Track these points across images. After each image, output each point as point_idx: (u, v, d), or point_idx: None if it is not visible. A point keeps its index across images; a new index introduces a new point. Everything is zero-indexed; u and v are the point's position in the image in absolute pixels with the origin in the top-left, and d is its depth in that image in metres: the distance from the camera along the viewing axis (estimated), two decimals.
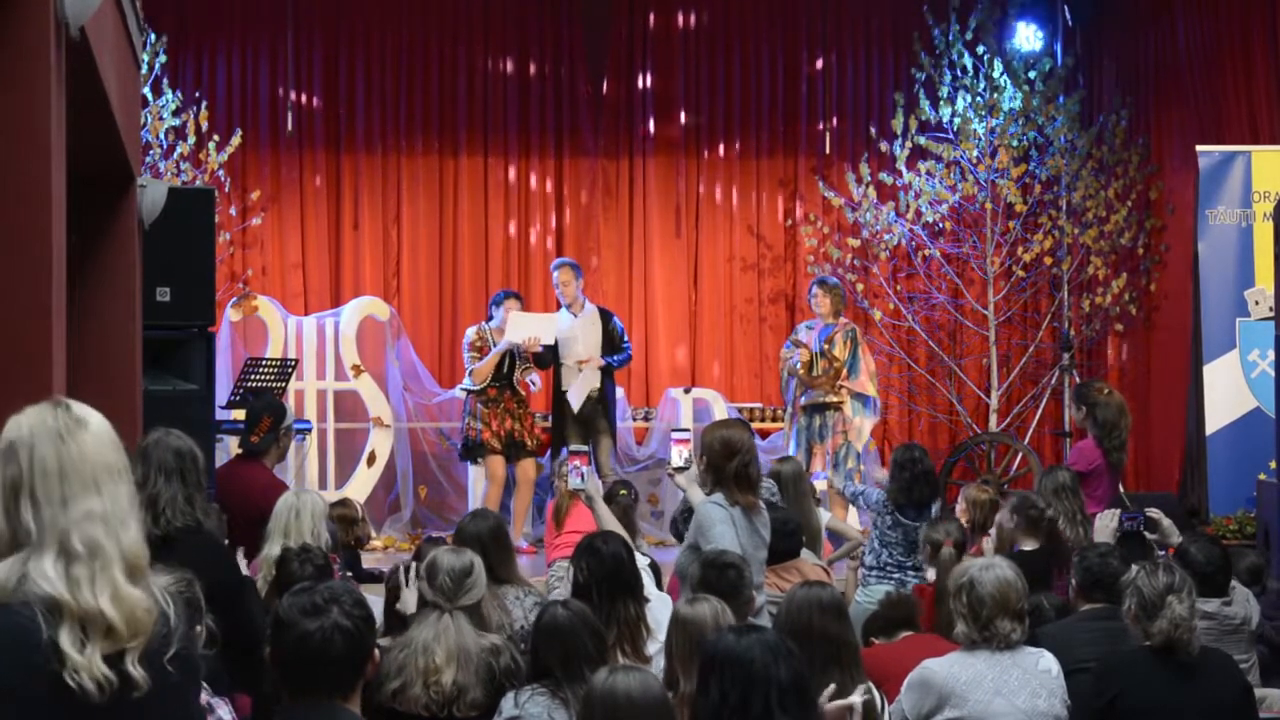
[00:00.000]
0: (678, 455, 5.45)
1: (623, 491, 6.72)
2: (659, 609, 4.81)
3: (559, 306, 9.63)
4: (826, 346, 9.24)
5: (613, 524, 5.36)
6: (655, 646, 4.50)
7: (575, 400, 9.24)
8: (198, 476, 4.51)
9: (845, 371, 9.27)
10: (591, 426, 9.28)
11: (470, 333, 9.55)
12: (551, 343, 9.26)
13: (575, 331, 9.37)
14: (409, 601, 4.51)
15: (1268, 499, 8.04)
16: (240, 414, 7.63)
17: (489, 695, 4.04)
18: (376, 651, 2.88)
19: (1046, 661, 4.18)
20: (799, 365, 9.33)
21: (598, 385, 9.31)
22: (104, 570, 2.19)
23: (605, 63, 11.55)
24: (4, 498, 2.21)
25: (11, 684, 2.14)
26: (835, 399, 9.28)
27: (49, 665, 2.14)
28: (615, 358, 9.42)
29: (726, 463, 5.01)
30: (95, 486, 2.23)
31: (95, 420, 2.29)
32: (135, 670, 2.18)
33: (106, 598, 2.18)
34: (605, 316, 9.53)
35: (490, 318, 9.51)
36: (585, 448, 5.89)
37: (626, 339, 9.67)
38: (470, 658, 4.06)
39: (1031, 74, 11.10)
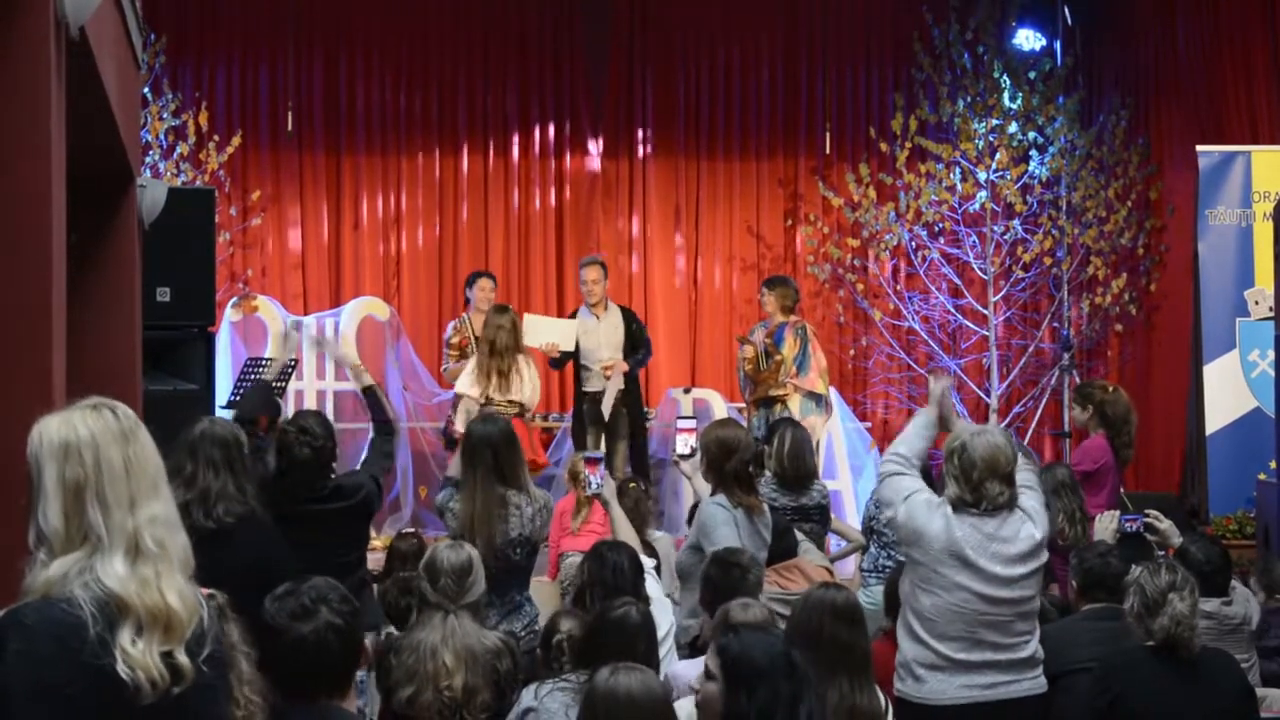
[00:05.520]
0: (682, 443, 5.51)
1: (632, 484, 6.79)
2: (658, 612, 4.83)
3: (560, 308, 9.54)
4: (768, 342, 9.19)
5: (625, 527, 5.51)
6: (659, 654, 4.54)
7: (608, 407, 9.14)
8: (244, 464, 4.55)
9: (794, 369, 9.17)
10: (613, 429, 9.20)
11: (449, 329, 9.45)
12: (571, 349, 9.17)
13: (600, 336, 9.22)
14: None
15: (1268, 499, 8.04)
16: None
17: (496, 697, 4.06)
18: (366, 643, 2.87)
19: (1029, 529, 4.32)
20: (745, 362, 9.30)
21: (622, 386, 9.23)
22: (168, 570, 2.27)
23: (605, 62, 11.54)
24: (64, 498, 2.25)
25: (57, 679, 2.18)
26: (780, 392, 9.19)
27: (96, 660, 2.18)
28: (639, 356, 9.32)
29: (726, 462, 5.03)
30: (156, 489, 2.31)
31: (139, 421, 2.33)
32: (183, 659, 2.24)
33: (174, 595, 2.26)
34: (628, 317, 9.42)
35: (467, 302, 9.43)
36: (599, 454, 6.01)
37: (647, 336, 9.61)
38: (477, 659, 4.08)
39: (1031, 74, 11.10)
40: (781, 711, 2.98)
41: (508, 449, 5.17)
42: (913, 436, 4.58)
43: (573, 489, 7.44)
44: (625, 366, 9.19)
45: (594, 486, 5.54)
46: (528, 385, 8.39)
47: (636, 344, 9.35)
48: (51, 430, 2.28)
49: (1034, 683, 4.37)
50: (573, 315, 9.52)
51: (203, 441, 4.52)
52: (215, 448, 4.51)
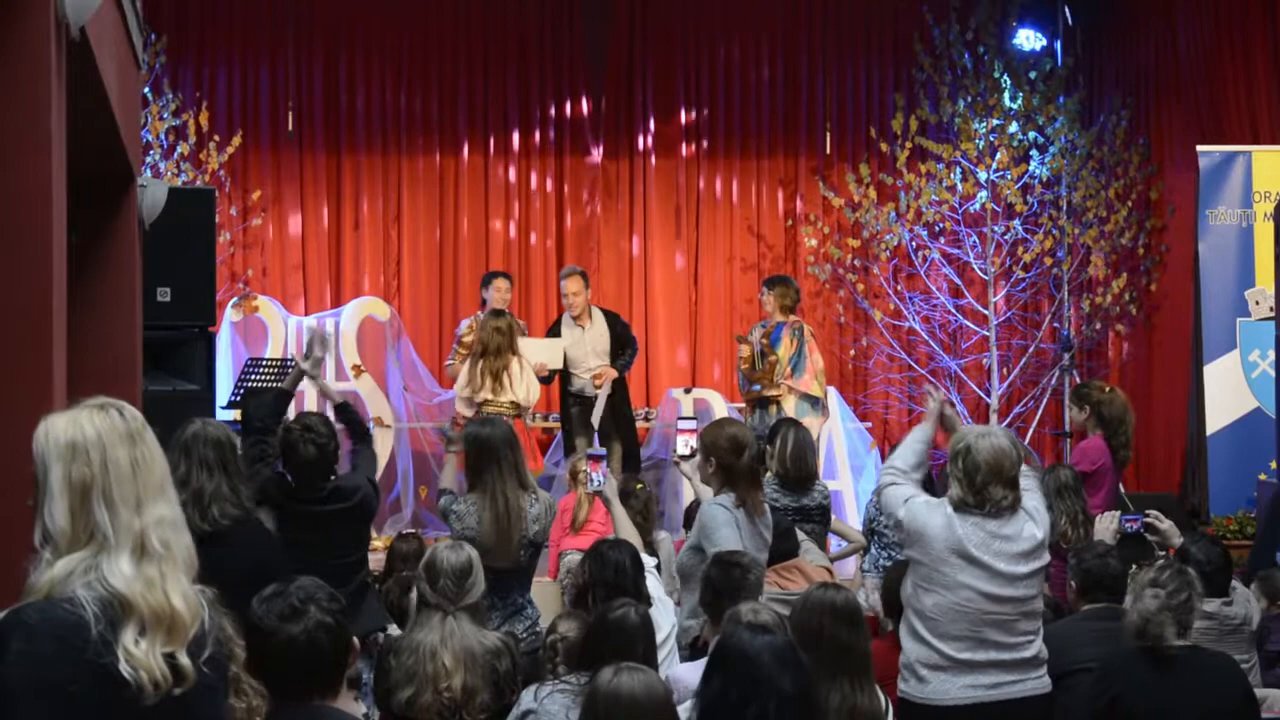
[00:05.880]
0: (683, 444, 5.51)
1: (640, 486, 6.79)
2: (659, 613, 4.84)
3: (559, 308, 9.53)
4: (765, 343, 9.19)
5: (627, 525, 5.52)
6: (660, 654, 4.54)
7: (598, 418, 9.17)
8: (237, 465, 4.53)
9: (789, 370, 9.15)
10: (604, 434, 9.21)
11: (463, 325, 9.47)
12: (559, 366, 9.21)
13: (586, 345, 9.26)
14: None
15: (1268, 499, 8.03)
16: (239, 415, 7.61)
17: (495, 697, 4.06)
18: (355, 640, 2.86)
19: (1031, 529, 4.34)
20: (742, 361, 9.33)
21: (610, 392, 9.26)
22: (173, 571, 2.27)
23: (605, 62, 11.54)
24: (70, 498, 2.24)
25: (59, 678, 2.18)
26: (773, 393, 9.19)
27: (99, 659, 2.18)
28: (625, 358, 9.35)
29: (737, 460, 5.00)
30: (162, 490, 2.31)
31: (146, 423, 2.33)
32: (184, 661, 2.24)
33: (178, 596, 2.26)
34: (611, 320, 9.44)
35: (483, 303, 9.47)
36: (602, 451, 6.02)
37: (632, 333, 9.64)
38: (476, 659, 4.08)
39: (1032, 74, 11.10)
40: (754, 705, 2.98)
41: (516, 450, 5.19)
42: (909, 451, 4.61)
43: (573, 488, 7.47)
44: (614, 373, 9.22)
45: (596, 484, 5.53)
46: (521, 387, 8.43)
47: (623, 344, 9.38)
48: (58, 429, 2.28)
49: (1038, 682, 4.37)
50: (554, 326, 9.49)
51: (196, 442, 4.49)
52: (209, 448, 4.48)
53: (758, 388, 9.24)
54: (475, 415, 8.30)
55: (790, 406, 9.00)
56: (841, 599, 3.96)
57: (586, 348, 9.27)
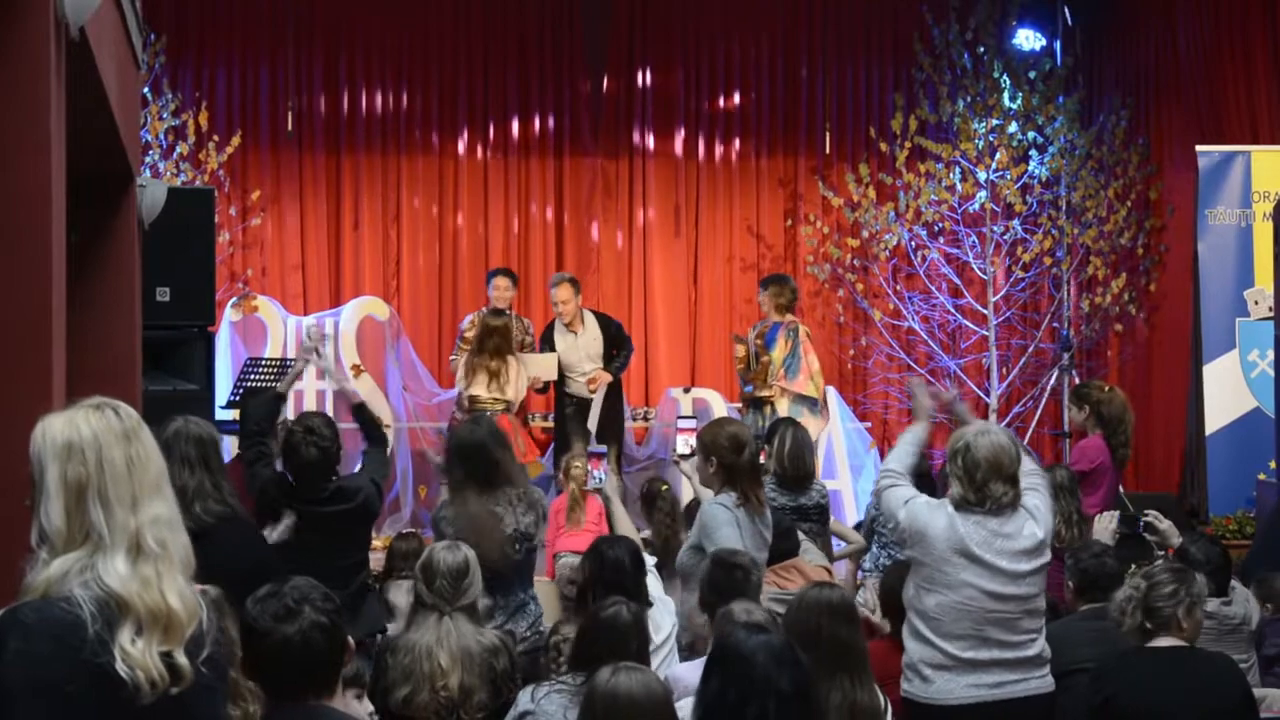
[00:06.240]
0: (684, 443, 5.52)
1: (664, 487, 6.80)
2: (660, 612, 4.84)
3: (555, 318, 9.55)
4: (759, 343, 9.20)
5: (625, 523, 5.55)
6: (661, 654, 4.55)
7: (594, 423, 9.21)
8: (220, 462, 4.52)
9: (783, 371, 9.13)
10: (600, 435, 9.25)
11: (466, 320, 9.56)
12: (554, 378, 9.29)
13: (580, 350, 9.33)
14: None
15: (1267, 499, 8.04)
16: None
17: (493, 696, 4.06)
18: (350, 640, 2.86)
19: (1031, 527, 4.37)
20: (738, 361, 9.36)
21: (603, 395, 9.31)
22: (169, 570, 2.28)
23: (605, 62, 11.55)
24: (66, 497, 2.25)
25: (56, 677, 2.18)
26: (766, 393, 9.18)
27: (95, 659, 2.18)
28: (619, 361, 9.39)
29: (738, 457, 5.01)
30: (158, 488, 2.31)
31: (142, 421, 2.34)
32: (182, 660, 2.24)
33: (175, 595, 2.26)
34: (604, 323, 9.48)
35: (489, 300, 9.54)
36: (603, 449, 6.05)
37: (626, 333, 9.68)
38: (473, 659, 4.08)
39: (1031, 74, 11.10)
40: (753, 705, 2.98)
41: (496, 449, 5.16)
42: (904, 453, 4.62)
43: (565, 488, 7.47)
44: (609, 377, 9.25)
45: (596, 481, 5.55)
46: (511, 386, 8.64)
47: (618, 346, 9.41)
48: (54, 429, 2.28)
49: (1041, 681, 4.38)
50: (547, 332, 9.51)
51: (177, 439, 4.46)
52: (190, 445, 4.46)
53: (750, 388, 9.25)
54: (468, 413, 8.40)
55: (784, 408, 8.99)
56: (838, 597, 3.98)
57: (580, 353, 9.33)
